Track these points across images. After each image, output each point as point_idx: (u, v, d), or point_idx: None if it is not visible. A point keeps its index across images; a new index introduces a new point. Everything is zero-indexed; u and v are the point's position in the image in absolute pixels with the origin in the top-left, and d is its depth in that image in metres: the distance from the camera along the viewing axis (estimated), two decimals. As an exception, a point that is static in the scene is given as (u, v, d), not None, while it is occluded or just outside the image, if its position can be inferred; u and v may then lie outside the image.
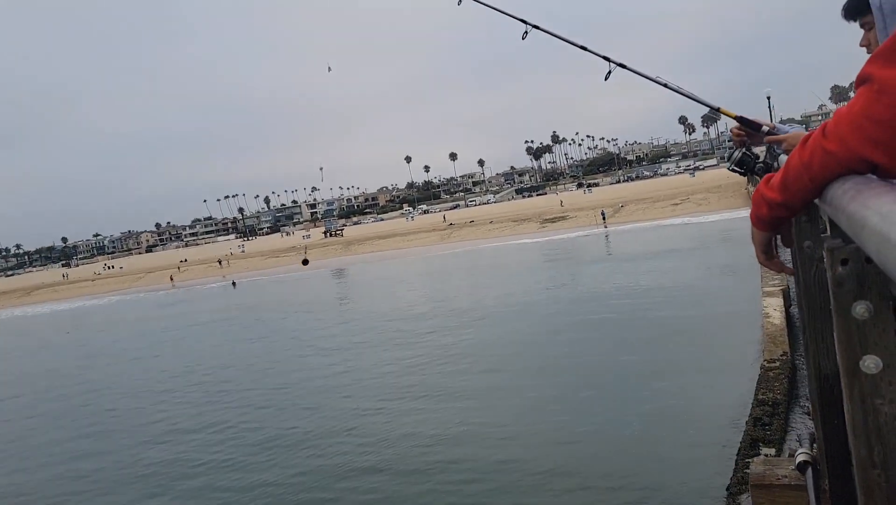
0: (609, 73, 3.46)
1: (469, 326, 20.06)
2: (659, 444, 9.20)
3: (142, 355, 25.02)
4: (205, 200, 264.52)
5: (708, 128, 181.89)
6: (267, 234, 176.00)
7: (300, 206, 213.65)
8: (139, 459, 12.27)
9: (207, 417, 14.26)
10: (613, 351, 14.42)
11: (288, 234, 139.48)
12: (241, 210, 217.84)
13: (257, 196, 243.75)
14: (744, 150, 2.60)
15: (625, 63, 3.47)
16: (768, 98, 36.57)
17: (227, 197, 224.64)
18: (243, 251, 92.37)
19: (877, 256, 0.68)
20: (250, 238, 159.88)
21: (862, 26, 2.08)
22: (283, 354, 20.29)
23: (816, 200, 1.35)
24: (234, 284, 54.47)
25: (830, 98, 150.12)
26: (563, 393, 12.23)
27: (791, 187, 1.30)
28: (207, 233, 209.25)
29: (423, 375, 14.80)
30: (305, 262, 55.76)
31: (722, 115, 3.26)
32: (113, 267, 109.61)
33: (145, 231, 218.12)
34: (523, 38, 4.03)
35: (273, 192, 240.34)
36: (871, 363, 1.10)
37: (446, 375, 14.63)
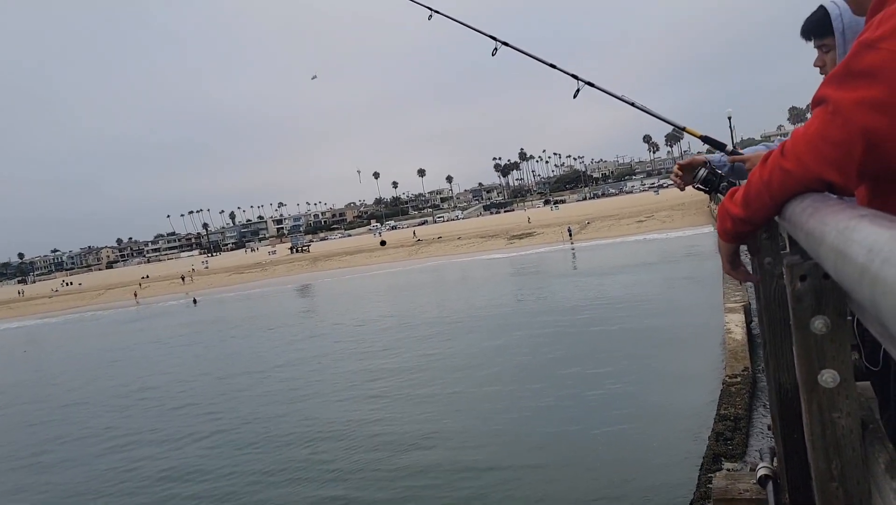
0: (577, 91, 3.51)
1: (435, 340, 20.00)
2: (623, 457, 9.26)
3: (97, 376, 24.34)
4: (168, 216, 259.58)
5: (671, 146, 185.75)
6: (232, 249, 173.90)
7: (266, 221, 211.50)
8: (91, 475, 11.91)
9: (162, 436, 13.92)
10: (579, 364, 14.50)
11: (253, 249, 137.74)
12: (205, 225, 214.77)
13: (222, 211, 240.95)
14: (708, 169, 2.66)
15: (593, 81, 3.52)
16: (729, 118, 37.57)
17: (191, 212, 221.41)
18: (207, 267, 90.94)
19: (834, 272, 0.70)
20: (215, 254, 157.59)
21: (819, 48, 2.13)
22: (243, 373, 19.87)
23: (776, 217, 1.38)
24: (194, 301, 52.61)
25: (788, 119, 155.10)
26: (528, 405, 12.25)
27: (752, 204, 1.33)
28: (170, 249, 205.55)
29: (388, 398, 14.67)
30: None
31: (685, 134, 3.33)
32: (71, 283, 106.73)
33: (106, 247, 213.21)
34: (493, 55, 4.07)
35: (238, 208, 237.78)
36: (828, 377, 1.12)
37: (412, 393, 14.54)
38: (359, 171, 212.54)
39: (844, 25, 1.98)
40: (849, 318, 1.18)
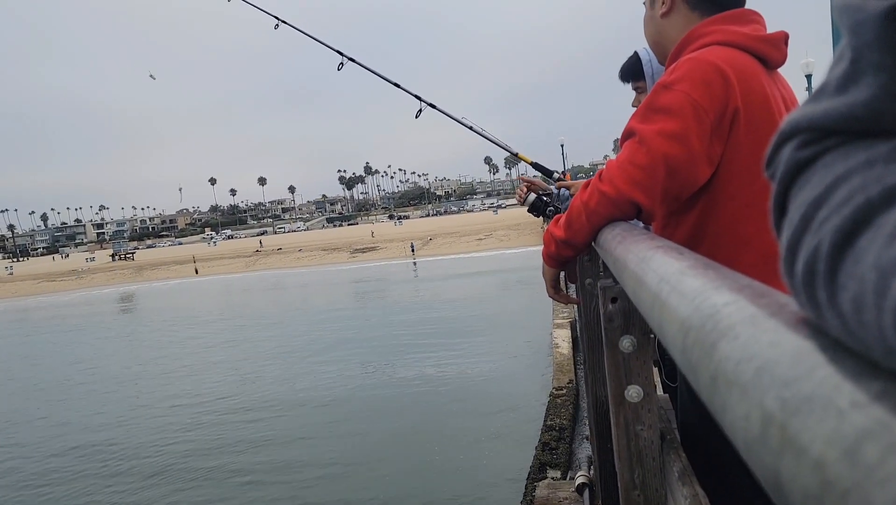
0: (420, 111, 3.57)
1: (268, 343, 19.30)
2: (455, 468, 9.42)
3: None
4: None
5: (510, 169, 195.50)
6: (43, 255, 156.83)
7: (85, 225, 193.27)
8: None
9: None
10: (408, 371, 14.66)
11: (66, 255, 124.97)
12: (11, 227, 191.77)
13: (32, 212, 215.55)
14: (538, 194, 2.81)
15: (435, 103, 3.60)
16: (562, 145, 40.25)
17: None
18: (11, 274, 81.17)
19: (633, 297, 0.74)
20: (21, 259, 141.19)
21: (635, 89, 2.38)
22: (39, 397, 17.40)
23: (593, 243, 1.49)
24: None
25: (613, 150, 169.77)
26: (350, 412, 12.16)
27: (573, 226, 1.44)
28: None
29: (214, 402, 13.90)
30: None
31: (521, 160, 3.51)
32: None
33: None
34: (339, 69, 4.02)
35: (52, 209, 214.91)
36: (634, 392, 1.21)
37: (242, 391, 13.90)
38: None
39: (654, 70, 2.23)
40: (652, 336, 1.28)
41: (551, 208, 2.72)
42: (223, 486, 9.46)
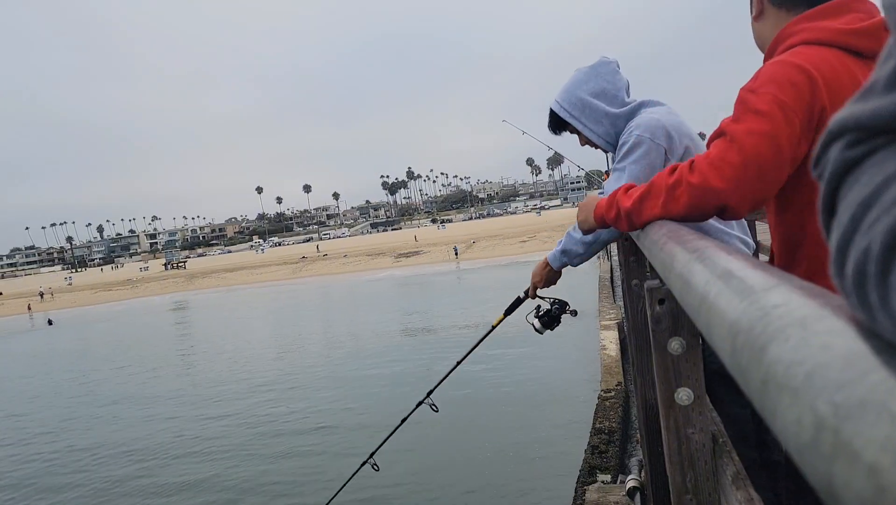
0: None
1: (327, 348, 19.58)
2: (505, 470, 9.37)
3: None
4: (27, 228, 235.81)
5: (553, 170, 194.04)
6: (99, 265, 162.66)
7: (138, 235, 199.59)
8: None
9: None
10: (457, 375, 14.64)
11: (120, 265, 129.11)
12: (69, 239, 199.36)
13: (89, 224, 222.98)
14: (547, 309, 2.86)
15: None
16: (604, 146, 39.89)
17: (53, 224, 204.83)
18: (70, 284, 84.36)
19: (680, 298, 0.73)
20: (80, 269, 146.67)
21: (572, 132, 2.54)
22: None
23: (637, 243, 1.46)
24: (49, 322, 46.39)
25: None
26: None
27: (646, 201, 1.39)
28: (29, 263, 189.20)
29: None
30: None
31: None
32: None
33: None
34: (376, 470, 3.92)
35: (108, 221, 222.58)
36: (684, 395, 1.19)
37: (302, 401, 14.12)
38: None
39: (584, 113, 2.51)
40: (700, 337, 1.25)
41: (564, 314, 2.83)
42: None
